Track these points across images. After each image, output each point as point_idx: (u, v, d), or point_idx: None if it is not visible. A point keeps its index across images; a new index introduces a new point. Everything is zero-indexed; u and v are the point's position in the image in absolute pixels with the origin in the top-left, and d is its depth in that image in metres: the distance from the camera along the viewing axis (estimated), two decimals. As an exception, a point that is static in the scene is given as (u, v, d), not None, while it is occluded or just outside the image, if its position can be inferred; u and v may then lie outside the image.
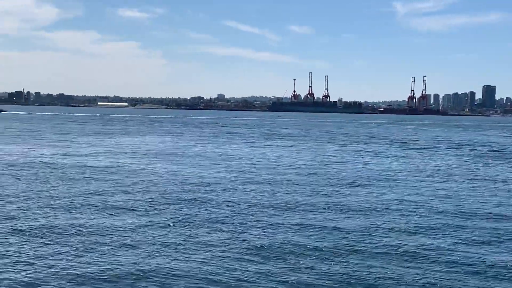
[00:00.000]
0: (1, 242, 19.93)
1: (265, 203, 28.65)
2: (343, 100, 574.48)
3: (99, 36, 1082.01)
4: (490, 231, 23.39)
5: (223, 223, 23.84)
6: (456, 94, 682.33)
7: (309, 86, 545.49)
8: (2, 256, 18.29)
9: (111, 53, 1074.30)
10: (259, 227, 23.14)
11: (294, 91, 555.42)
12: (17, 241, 20.07)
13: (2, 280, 16.09)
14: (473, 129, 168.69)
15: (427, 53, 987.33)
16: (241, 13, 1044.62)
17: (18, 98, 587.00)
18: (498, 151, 74.05)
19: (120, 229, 22.33)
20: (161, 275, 16.85)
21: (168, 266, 17.64)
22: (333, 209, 27.59)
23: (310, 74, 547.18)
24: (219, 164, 47.43)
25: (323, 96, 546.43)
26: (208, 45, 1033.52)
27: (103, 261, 17.96)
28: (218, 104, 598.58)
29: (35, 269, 17.07)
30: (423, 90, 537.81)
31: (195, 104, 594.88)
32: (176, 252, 19.26)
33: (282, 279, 16.71)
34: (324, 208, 27.66)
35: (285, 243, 20.66)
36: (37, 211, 25.33)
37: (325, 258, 18.93)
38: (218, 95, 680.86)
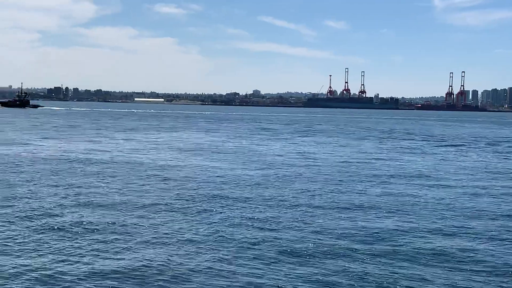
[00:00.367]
0: (40, 238, 20.09)
1: (300, 201, 28.22)
2: (380, 96, 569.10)
3: (136, 32, 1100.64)
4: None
5: (258, 220, 23.52)
6: (495, 90, 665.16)
7: (345, 82, 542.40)
8: (40, 252, 18.42)
9: (148, 49, 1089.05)
10: (294, 226, 22.73)
11: (330, 87, 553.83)
12: (54, 237, 20.20)
13: (45, 275, 16.15)
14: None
15: (465, 49, 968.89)
16: (277, 9, 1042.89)
17: (57, 94, 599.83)
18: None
19: (153, 225, 22.28)
20: (193, 272, 16.65)
21: (199, 264, 17.44)
22: (368, 208, 26.99)
23: (346, 70, 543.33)
24: (254, 161, 47.20)
25: (359, 92, 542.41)
26: (243, 41, 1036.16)
27: (134, 257, 17.88)
28: (254, 100, 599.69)
29: (75, 265, 17.12)
30: (461, 86, 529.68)
31: (231, 100, 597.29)
32: (209, 250, 19.04)
33: (318, 281, 16.31)
34: (359, 207, 27.10)
35: (319, 243, 20.23)
36: (74, 208, 25.56)
37: (361, 259, 18.41)
38: (254, 91, 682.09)
